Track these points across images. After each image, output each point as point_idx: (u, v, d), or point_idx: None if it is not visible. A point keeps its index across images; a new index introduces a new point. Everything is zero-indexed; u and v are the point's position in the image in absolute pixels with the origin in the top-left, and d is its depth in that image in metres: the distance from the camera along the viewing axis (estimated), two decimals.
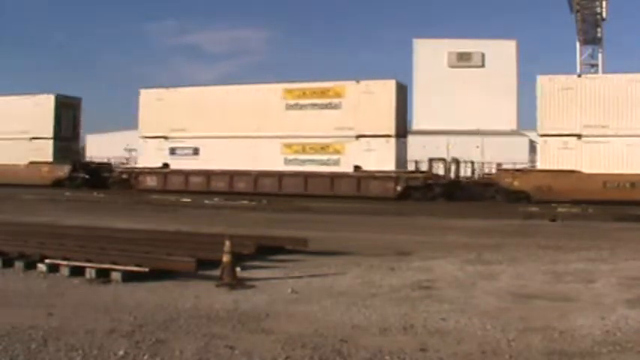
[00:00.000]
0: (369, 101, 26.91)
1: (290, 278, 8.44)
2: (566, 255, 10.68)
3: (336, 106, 27.54)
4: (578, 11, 32.46)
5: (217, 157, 28.54)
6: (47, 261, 8.89)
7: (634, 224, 16.71)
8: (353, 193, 26.12)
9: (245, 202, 23.96)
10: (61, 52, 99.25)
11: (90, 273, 8.37)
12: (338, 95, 27.61)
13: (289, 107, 28.31)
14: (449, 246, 11.89)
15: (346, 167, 27.15)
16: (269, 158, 27.91)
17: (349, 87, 27.54)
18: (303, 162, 27.82)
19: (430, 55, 49.09)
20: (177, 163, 30.03)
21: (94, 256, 8.96)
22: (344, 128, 26.99)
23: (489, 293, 7.58)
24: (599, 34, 33.07)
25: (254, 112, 28.42)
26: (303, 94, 28.26)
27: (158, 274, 8.30)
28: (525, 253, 10.96)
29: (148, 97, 31.30)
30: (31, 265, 8.97)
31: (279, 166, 27.94)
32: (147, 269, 8.33)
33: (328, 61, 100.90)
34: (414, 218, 18.56)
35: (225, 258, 8.08)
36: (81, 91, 32.99)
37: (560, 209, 20.46)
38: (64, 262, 8.77)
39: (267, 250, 10.34)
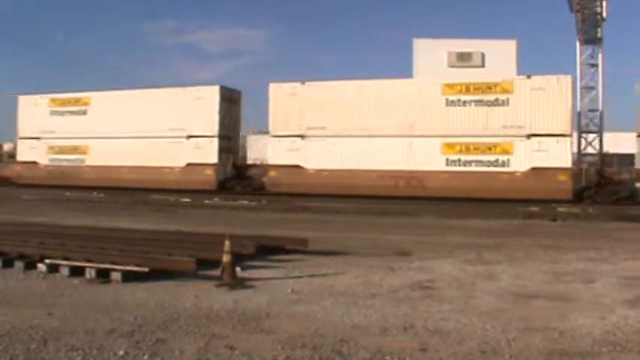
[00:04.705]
0: None
1: (290, 278, 8.45)
2: (566, 255, 10.68)
3: None
4: (578, 11, 32.33)
5: None
6: (47, 261, 8.89)
7: (634, 224, 16.71)
8: None
9: (245, 202, 23.96)
10: (60, 52, 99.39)
11: (90, 273, 8.38)
12: None
13: None
14: (449, 246, 11.89)
15: None
16: None
17: None
18: None
19: (430, 55, 48.97)
20: None
21: (94, 256, 8.97)
22: None
23: (489, 293, 7.58)
24: (599, 34, 32.95)
25: None
26: None
27: (158, 274, 8.31)
28: (525, 253, 10.96)
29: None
30: (31, 265, 8.98)
31: None
32: (147, 269, 8.34)
33: (328, 61, 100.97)
34: (414, 218, 18.55)
35: (225, 258, 8.09)
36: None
37: (560, 209, 20.45)
38: (64, 262, 8.78)
39: (267, 250, 10.34)
